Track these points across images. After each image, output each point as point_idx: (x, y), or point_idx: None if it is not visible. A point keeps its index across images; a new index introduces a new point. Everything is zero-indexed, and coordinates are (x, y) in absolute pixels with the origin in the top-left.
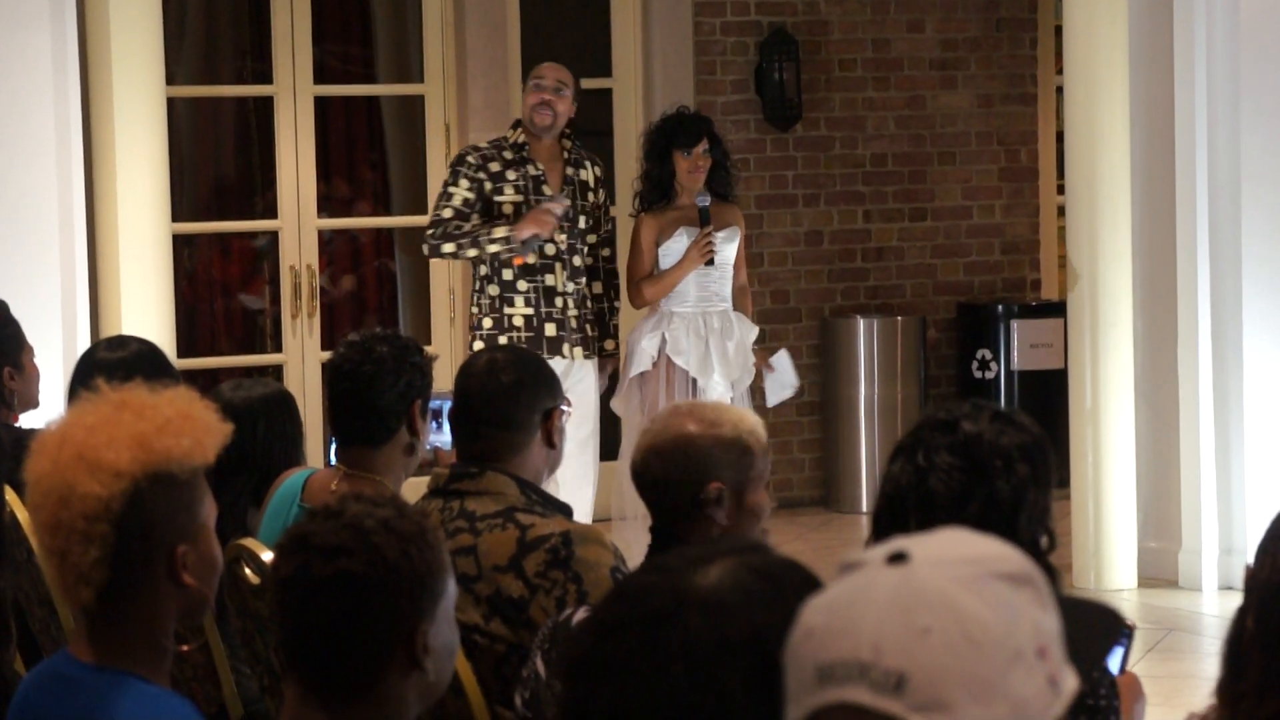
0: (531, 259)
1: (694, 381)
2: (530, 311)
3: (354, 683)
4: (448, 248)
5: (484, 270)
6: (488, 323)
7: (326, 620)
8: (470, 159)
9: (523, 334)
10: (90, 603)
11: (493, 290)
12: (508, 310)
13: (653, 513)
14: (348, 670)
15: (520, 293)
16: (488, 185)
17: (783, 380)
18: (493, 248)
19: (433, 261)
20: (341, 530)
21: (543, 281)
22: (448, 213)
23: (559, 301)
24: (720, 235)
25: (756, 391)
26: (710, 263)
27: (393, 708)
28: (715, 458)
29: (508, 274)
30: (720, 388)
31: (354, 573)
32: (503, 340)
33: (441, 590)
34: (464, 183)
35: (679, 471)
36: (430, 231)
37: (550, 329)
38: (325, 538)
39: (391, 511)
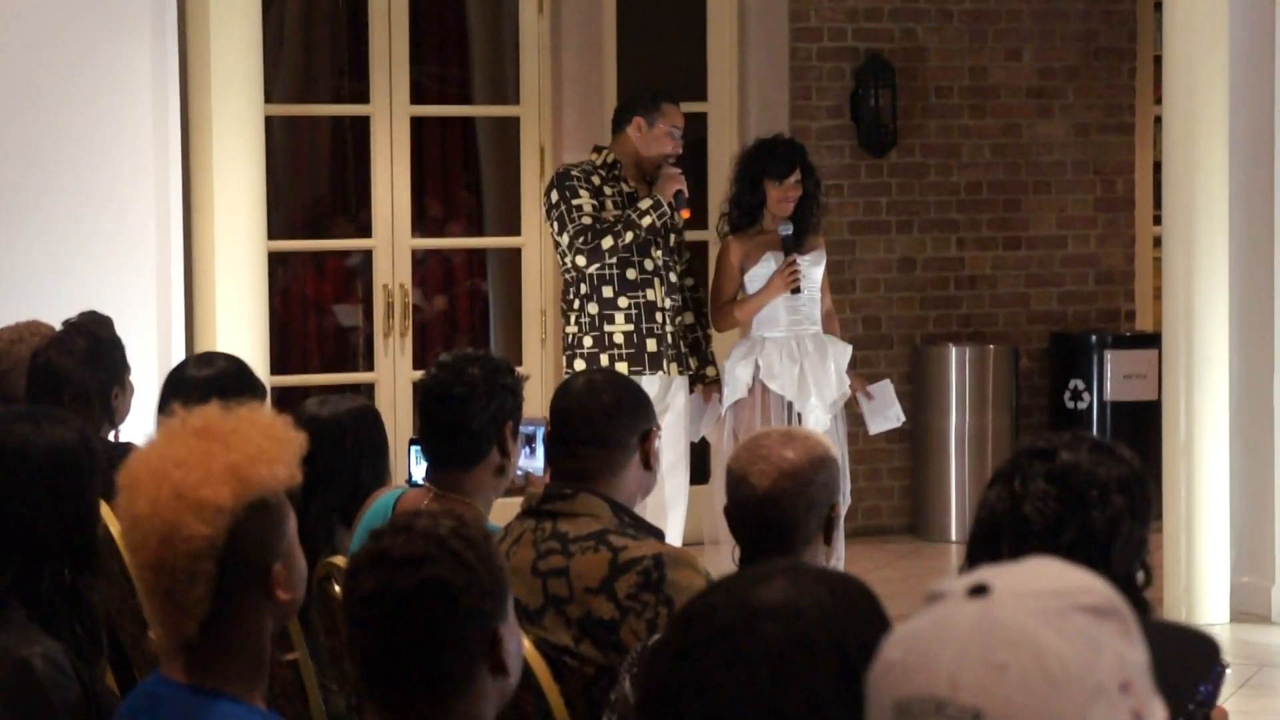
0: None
1: (789, 406)
2: (630, 328)
3: (445, 692)
4: (607, 241)
5: (584, 289)
6: (588, 341)
7: (415, 631)
8: (575, 173)
9: (623, 350)
10: (194, 635)
11: (592, 309)
12: (608, 328)
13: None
14: (437, 680)
15: (621, 309)
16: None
17: (886, 412)
18: (646, 220)
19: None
20: (418, 541)
21: (644, 296)
22: (587, 219)
23: (659, 317)
24: (806, 259)
25: (855, 416)
26: (796, 291)
27: (479, 713)
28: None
29: (608, 291)
30: (819, 411)
31: (441, 579)
32: (604, 358)
33: (509, 593)
34: (584, 192)
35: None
36: (580, 241)
37: (651, 344)
38: (403, 550)
39: (455, 521)
